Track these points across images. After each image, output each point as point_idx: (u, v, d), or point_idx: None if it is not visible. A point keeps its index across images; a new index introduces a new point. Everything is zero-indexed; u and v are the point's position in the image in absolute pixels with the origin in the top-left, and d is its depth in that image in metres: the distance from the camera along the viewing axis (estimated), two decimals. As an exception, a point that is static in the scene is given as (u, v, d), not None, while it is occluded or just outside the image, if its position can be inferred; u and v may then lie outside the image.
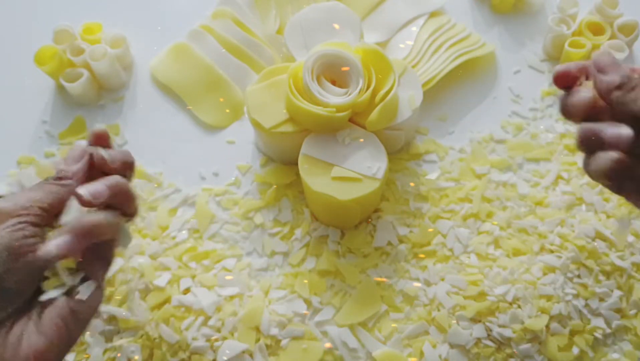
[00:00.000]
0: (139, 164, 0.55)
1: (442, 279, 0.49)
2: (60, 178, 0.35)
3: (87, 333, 0.46)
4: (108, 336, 0.46)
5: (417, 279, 0.49)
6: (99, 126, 0.39)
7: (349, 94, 0.49)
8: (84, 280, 0.35)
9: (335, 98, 0.49)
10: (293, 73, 0.50)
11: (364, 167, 0.48)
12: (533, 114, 0.57)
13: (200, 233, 0.52)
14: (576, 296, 0.48)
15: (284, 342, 0.47)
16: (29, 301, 0.34)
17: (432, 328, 0.47)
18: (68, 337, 0.33)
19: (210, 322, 0.47)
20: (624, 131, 0.35)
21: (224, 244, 0.52)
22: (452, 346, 0.47)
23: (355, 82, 0.49)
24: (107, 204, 0.35)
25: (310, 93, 0.48)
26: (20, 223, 0.33)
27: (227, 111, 0.58)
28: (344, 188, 0.47)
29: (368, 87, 0.49)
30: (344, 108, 0.48)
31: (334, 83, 0.50)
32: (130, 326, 0.46)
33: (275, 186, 0.53)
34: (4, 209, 0.33)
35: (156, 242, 0.51)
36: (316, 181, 0.48)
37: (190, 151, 0.56)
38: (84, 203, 0.34)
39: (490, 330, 0.46)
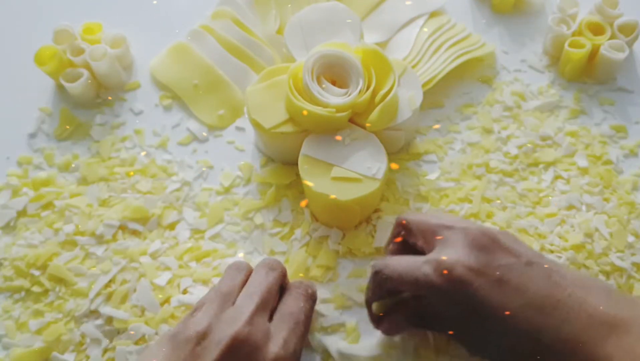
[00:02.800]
0: (148, 161, 0.55)
1: (442, 280, 0.49)
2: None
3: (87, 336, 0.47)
4: (107, 337, 0.46)
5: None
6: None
7: (349, 95, 0.49)
8: None
9: (335, 98, 0.49)
10: (293, 73, 0.50)
11: (364, 167, 0.48)
12: (533, 114, 0.57)
13: (203, 233, 0.52)
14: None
15: (284, 342, 0.47)
16: None
17: (432, 328, 0.47)
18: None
19: (211, 322, 0.47)
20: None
21: (224, 244, 0.51)
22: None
23: (355, 82, 0.49)
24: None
25: (310, 93, 0.48)
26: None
27: (225, 111, 0.58)
28: (344, 188, 0.47)
29: (368, 88, 0.49)
30: (344, 108, 0.48)
31: (334, 83, 0.50)
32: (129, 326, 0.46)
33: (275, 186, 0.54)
34: None
35: (157, 242, 0.51)
36: (316, 181, 0.48)
37: (190, 151, 0.56)
38: None
39: (490, 330, 0.46)
